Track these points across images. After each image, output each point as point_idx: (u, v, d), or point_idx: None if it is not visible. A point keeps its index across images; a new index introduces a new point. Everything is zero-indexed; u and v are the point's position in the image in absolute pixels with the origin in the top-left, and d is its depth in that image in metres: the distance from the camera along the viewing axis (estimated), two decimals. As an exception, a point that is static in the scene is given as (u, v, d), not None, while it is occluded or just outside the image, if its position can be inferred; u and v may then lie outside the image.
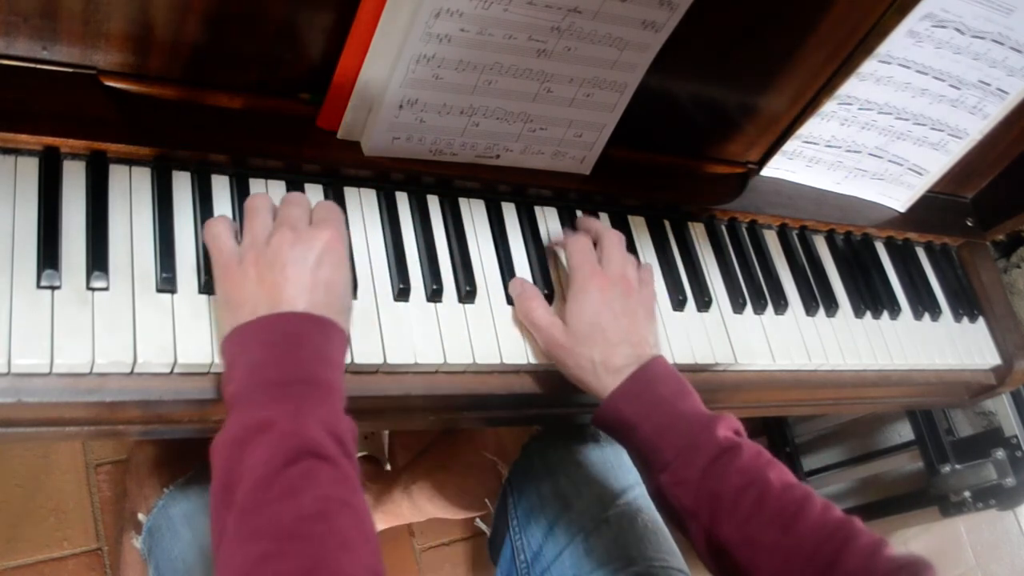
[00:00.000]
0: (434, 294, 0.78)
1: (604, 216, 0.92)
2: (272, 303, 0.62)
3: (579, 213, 0.90)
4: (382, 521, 1.32)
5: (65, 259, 0.65)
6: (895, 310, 1.05)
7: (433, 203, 0.83)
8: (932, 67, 0.93)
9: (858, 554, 0.63)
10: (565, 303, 0.79)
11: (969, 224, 1.17)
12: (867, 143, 1.01)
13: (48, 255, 0.64)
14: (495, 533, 1.04)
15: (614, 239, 0.82)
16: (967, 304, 1.12)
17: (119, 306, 0.65)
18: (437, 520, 1.33)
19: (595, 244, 0.82)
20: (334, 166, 0.79)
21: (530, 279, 0.83)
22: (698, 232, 0.97)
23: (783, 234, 1.03)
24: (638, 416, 0.73)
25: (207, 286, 0.68)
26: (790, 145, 0.98)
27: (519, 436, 1.03)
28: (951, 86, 0.96)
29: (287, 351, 0.61)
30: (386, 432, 1.45)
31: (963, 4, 0.87)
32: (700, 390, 0.90)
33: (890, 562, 0.62)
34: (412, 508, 1.26)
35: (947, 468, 1.38)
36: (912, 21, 0.87)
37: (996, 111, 1.01)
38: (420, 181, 0.83)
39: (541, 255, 0.85)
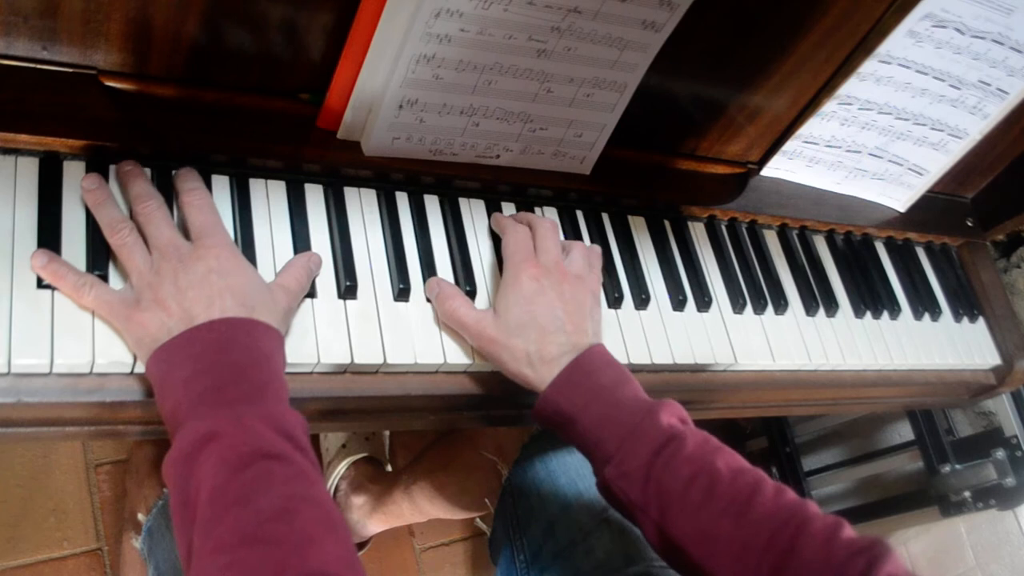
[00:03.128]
0: (434, 294, 0.78)
1: (604, 216, 0.92)
2: (186, 324, 0.62)
3: (579, 213, 0.90)
4: (382, 522, 1.32)
5: (65, 259, 0.64)
6: (895, 310, 1.05)
7: (433, 203, 0.83)
8: (932, 67, 0.93)
9: (815, 540, 0.61)
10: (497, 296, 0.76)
11: (969, 224, 1.17)
12: (867, 143, 1.01)
13: (48, 255, 0.64)
14: (495, 533, 1.04)
15: (547, 227, 0.79)
16: (967, 304, 1.12)
17: (119, 306, 0.65)
18: (437, 520, 1.33)
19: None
20: (334, 166, 0.79)
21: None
22: (698, 232, 0.97)
23: (783, 234, 1.03)
24: (577, 407, 0.70)
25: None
26: (790, 145, 0.98)
27: (519, 436, 1.03)
28: (951, 86, 0.96)
29: (215, 358, 0.60)
30: (387, 433, 1.45)
31: (963, 4, 0.87)
32: (700, 390, 0.90)
33: (848, 546, 0.60)
34: (412, 508, 1.26)
35: (947, 468, 1.38)
36: (912, 21, 0.87)
37: (996, 111, 1.01)
38: (420, 181, 0.83)
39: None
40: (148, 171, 0.71)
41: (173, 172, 0.72)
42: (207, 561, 0.53)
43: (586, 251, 0.80)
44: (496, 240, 0.84)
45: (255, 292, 0.65)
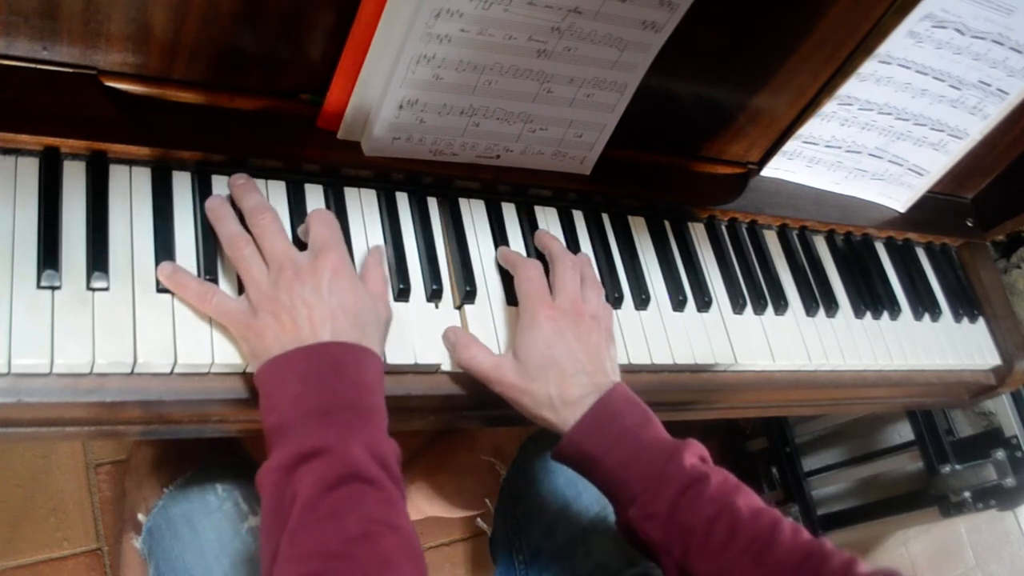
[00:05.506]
0: (434, 294, 0.78)
1: (604, 216, 0.92)
2: (298, 340, 0.64)
3: (579, 213, 0.90)
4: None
5: (65, 259, 0.65)
6: (895, 310, 1.05)
7: (433, 203, 0.83)
8: (932, 67, 0.93)
9: None
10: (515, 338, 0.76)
11: (969, 224, 1.17)
12: (867, 143, 1.01)
13: (48, 255, 0.64)
14: (496, 533, 1.04)
15: (568, 265, 0.78)
16: (967, 304, 1.12)
17: (119, 306, 0.65)
18: (437, 520, 1.33)
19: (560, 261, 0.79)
20: (334, 166, 0.79)
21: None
22: (698, 232, 0.97)
23: (783, 234, 1.03)
24: (601, 449, 0.70)
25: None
26: (790, 145, 0.98)
27: (517, 436, 1.03)
28: (951, 86, 0.96)
29: (326, 380, 0.62)
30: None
31: (963, 4, 0.87)
32: (700, 390, 0.90)
33: None
34: (411, 508, 1.26)
35: (947, 468, 1.38)
36: (912, 21, 0.87)
37: (996, 111, 1.01)
38: (420, 181, 0.83)
39: (540, 255, 0.84)
40: (147, 171, 0.71)
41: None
42: (291, 566, 0.55)
43: (599, 287, 0.80)
44: (496, 240, 0.84)
45: (365, 312, 0.67)
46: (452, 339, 0.76)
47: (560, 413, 0.72)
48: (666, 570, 0.69)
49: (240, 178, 0.72)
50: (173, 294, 0.67)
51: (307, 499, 0.57)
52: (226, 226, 0.69)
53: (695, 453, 0.70)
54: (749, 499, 0.68)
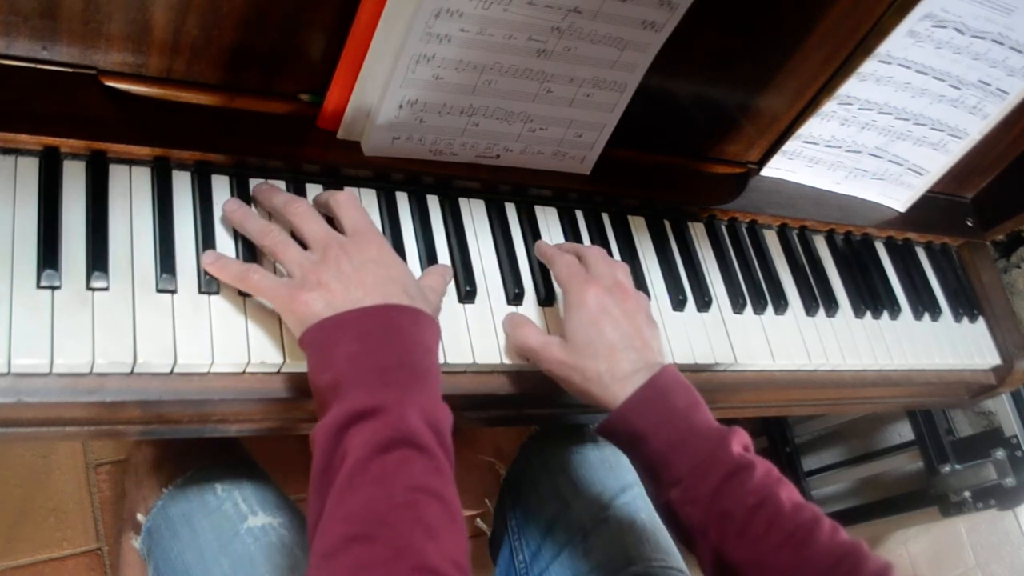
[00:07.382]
0: (434, 294, 0.78)
1: (604, 216, 0.92)
2: (350, 304, 0.64)
3: (579, 213, 0.90)
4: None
5: (65, 259, 0.65)
6: (895, 310, 1.05)
7: (433, 203, 0.83)
8: (932, 67, 0.93)
9: None
10: (562, 318, 0.77)
11: (969, 224, 1.17)
12: (867, 143, 1.01)
13: (48, 255, 0.64)
14: (495, 533, 1.04)
15: (596, 251, 0.80)
16: (967, 304, 1.12)
17: (119, 306, 0.65)
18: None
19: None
20: (334, 166, 0.79)
21: (530, 279, 0.84)
22: (698, 232, 0.97)
23: (783, 234, 1.03)
24: (651, 427, 0.70)
25: (207, 286, 0.69)
26: (790, 145, 0.98)
27: (517, 436, 1.03)
28: (951, 86, 0.96)
29: (383, 340, 0.62)
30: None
31: (963, 4, 0.88)
32: (700, 390, 0.90)
33: None
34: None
35: (947, 468, 1.38)
36: (912, 21, 0.87)
37: (996, 111, 1.01)
38: (420, 181, 0.83)
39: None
40: (147, 171, 0.71)
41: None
42: (335, 527, 0.55)
43: (628, 272, 0.81)
44: (496, 239, 0.84)
45: (410, 285, 0.68)
46: (506, 322, 0.79)
47: (610, 388, 0.72)
48: (702, 554, 0.69)
49: (261, 185, 0.74)
50: (173, 294, 0.68)
51: (357, 460, 0.57)
52: (252, 223, 0.70)
53: (741, 442, 0.70)
54: (791, 493, 0.68)
